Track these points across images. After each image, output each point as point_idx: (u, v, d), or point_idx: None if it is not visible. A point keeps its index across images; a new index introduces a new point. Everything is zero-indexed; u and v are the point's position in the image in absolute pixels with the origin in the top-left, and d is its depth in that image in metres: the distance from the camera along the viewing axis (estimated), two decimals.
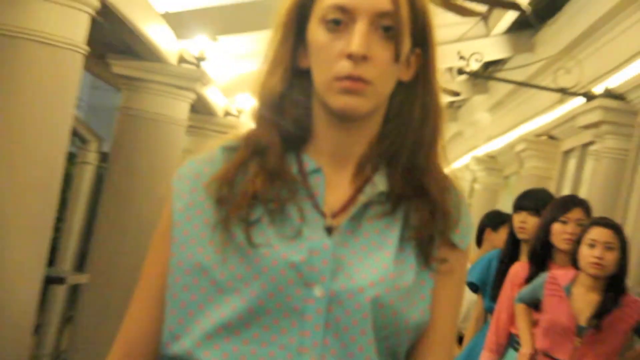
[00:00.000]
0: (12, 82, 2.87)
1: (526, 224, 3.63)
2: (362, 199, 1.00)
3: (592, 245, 2.89)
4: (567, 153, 5.68)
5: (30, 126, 2.87)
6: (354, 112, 0.97)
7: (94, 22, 3.02)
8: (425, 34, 1.02)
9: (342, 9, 0.95)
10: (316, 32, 0.98)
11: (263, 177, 0.98)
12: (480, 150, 8.33)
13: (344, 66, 0.93)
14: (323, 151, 1.03)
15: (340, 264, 0.96)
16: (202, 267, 0.97)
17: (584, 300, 2.95)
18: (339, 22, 0.95)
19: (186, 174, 1.04)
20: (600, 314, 2.87)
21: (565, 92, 4.71)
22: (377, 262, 0.97)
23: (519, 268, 3.39)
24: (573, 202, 3.43)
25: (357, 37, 0.93)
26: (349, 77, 0.93)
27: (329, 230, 0.98)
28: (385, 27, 0.95)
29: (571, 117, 4.96)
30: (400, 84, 1.03)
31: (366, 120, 1.02)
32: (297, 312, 0.94)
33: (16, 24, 2.82)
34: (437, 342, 1.05)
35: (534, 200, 3.72)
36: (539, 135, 6.02)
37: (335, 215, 0.99)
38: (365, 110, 0.97)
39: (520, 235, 3.67)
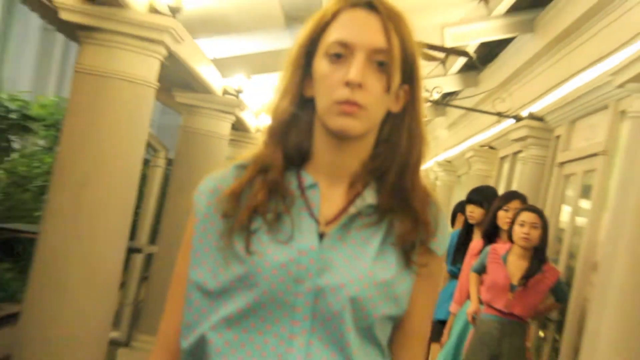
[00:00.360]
0: (103, 109, 2.89)
1: (474, 213, 3.80)
2: (352, 210, 0.91)
3: (522, 225, 2.97)
4: (503, 159, 5.67)
5: (117, 141, 2.94)
6: (349, 132, 0.87)
7: (163, 65, 3.01)
8: (413, 73, 0.92)
9: (343, 44, 0.87)
10: (320, 64, 0.89)
11: (264, 192, 0.89)
12: (440, 157, 8.31)
13: (343, 92, 0.85)
14: (320, 169, 0.93)
15: (328, 265, 0.88)
16: (212, 271, 0.90)
17: (516, 266, 3.01)
18: (340, 56, 0.87)
19: (203, 190, 0.95)
20: (528, 276, 2.96)
21: (501, 115, 4.70)
22: (358, 263, 0.88)
23: (475, 244, 3.55)
24: (513, 195, 3.55)
25: (355, 68, 0.85)
26: (347, 102, 0.85)
27: (321, 236, 0.89)
28: (380, 61, 0.87)
29: (505, 133, 4.97)
30: (390, 114, 0.93)
31: (359, 142, 0.91)
32: (289, 305, 0.86)
33: (105, 66, 2.90)
34: (413, 335, 0.97)
35: (479, 196, 3.85)
36: (482, 145, 6.02)
37: (328, 223, 0.90)
38: (359, 131, 0.88)
39: (470, 221, 3.86)
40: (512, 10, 4.48)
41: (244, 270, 0.87)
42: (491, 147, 5.89)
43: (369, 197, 0.91)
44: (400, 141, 0.92)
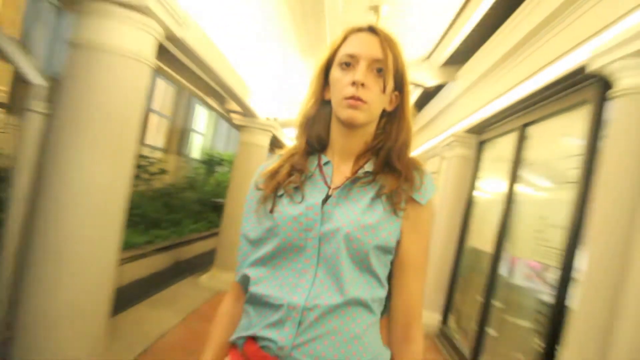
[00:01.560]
0: (93, 83, 2.63)
1: None
2: (353, 177, 1.17)
3: None
4: (442, 159, 6.25)
5: (107, 117, 2.69)
6: (355, 121, 1.13)
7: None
8: (402, 82, 1.19)
9: (351, 56, 1.14)
10: (335, 72, 1.17)
11: (286, 170, 1.19)
12: None
13: (350, 90, 1.12)
14: (335, 151, 1.21)
15: (329, 217, 1.12)
16: (254, 226, 1.19)
17: None
18: (349, 64, 1.14)
19: (257, 172, 1.25)
20: None
21: (444, 131, 5.76)
22: (351, 213, 1.12)
23: None
24: None
25: (359, 71, 1.12)
26: (353, 97, 1.11)
27: (329, 197, 1.15)
28: (378, 68, 1.13)
29: (448, 143, 5.82)
30: (385, 112, 1.20)
31: (362, 129, 1.18)
32: (302, 248, 1.12)
33: (98, 39, 2.66)
34: (409, 265, 1.16)
35: None
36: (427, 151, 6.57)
37: (337, 188, 1.17)
38: (362, 120, 1.14)
39: None
40: (446, 64, 5.65)
41: (270, 224, 1.15)
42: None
43: (368, 166, 1.18)
44: (392, 131, 1.20)
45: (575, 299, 2.56)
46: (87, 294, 2.74)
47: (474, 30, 4.55)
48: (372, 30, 1.18)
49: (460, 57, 5.31)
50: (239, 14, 3.88)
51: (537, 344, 3.11)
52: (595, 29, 2.60)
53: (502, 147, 4.76)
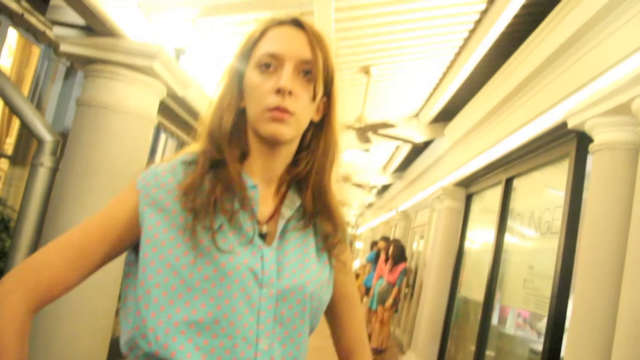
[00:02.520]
0: (99, 139, 2.70)
1: (380, 245, 7.70)
2: (288, 213, 0.93)
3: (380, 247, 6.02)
4: (432, 211, 6.59)
5: (111, 171, 2.74)
6: (280, 137, 0.87)
7: None
8: (331, 86, 0.95)
9: (273, 56, 0.88)
10: (251, 75, 0.89)
11: (220, 187, 0.86)
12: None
13: (274, 99, 0.85)
14: (255, 172, 0.92)
15: (281, 267, 0.88)
16: (172, 267, 0.80)
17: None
18: (270, 66, 0.88)
19: (152, 181, 0.86)
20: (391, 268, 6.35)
21: (433, 184, 5.89)
22: (307, 265, 0.90)
23: (383, 257, 6.82)
24: (383, 238, 7.78)
25: (285, 76, 0.86)
26: (278, 108, 0.85)
27: (263, 237, 0.89)
28: (306, 71, 0.89)
29: (437, 196, 5.88)
30: (310, 123, 0.95)
31: (286, 147, 0.93)
32: (255, 308, 0.83)
33: (106, 98, 2.74)
34: (353, 303, 1.06)
35: (385, 238, 7.93)
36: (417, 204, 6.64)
37: (263, 223, 0.90)
38: (289, 137, 0.89)
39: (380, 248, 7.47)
40: (433, 121, 5.88)
41: (213, 270, 0.81)
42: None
43: (295, 198, 0.95)
44: (318, 147, 0.95)
45: (565, 347, 2.55)
46: (85, 341, 2.69)
47: (459, 90, 4.72)
48: (297, 23, 0.92)
49: (447, 114, 5.47)
50: None
51: None
52: (571, 89, 2.72)
53: (489, 199, 4.83)
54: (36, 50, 3.95)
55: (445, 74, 4.63)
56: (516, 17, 3.30)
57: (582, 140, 2.91)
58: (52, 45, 3.70)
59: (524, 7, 3.17)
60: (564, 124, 2.89)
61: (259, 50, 0.90)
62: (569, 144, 3.12)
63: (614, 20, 2.38)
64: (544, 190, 3.64)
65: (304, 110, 0.89)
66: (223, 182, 0.86)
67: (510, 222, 4.15)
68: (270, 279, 0.85)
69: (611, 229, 2.36)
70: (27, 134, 3.91)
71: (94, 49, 2.66)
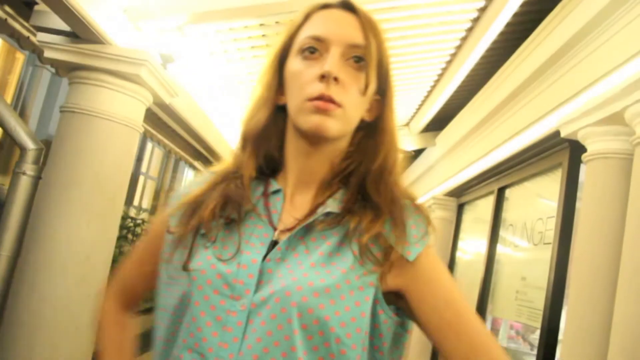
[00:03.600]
0: (84, 147, 2.66)
1: None
2: (309, 219, 0.77)
3: None
4: None
5: (95, 180, 2.70)
6: (324, 132, 0.74)
7: None
8: (386, 83, 0.82)
9: (317, 39, 0.76)
10: (293, 63, 0.79)
11: (216, 203, 0.78)
12: None
13: (317, 87, 0.74)
14: (290, 176, 0.82)
15: (270, 277, 0.73)
16: (160, 293, 0.81)
17: None
18: (314, 51, 0.76)
19: (179, 193, 0.86)
20: None
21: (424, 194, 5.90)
22: (299, 271, 0.73)
23: None
24: None
25: (331, 60, 0.74)
26: (321, 97, 0.73)
27: (274, 244, 0.76)
28: (356, 57, 0.76)
29: (429, 205, 5.88)
30: (362, 123, 0.82)
31: (331, 146, 0.79)
32: (220, 322, 0.71)
33: (91, 106, 2.70)
34: (449, 319, 0.76)
35: None
36: None
37: (286, 230, 0.77)
38: (334, 132, 0.75)
39: None
40: (424, 130, 5.80)
41: (184, 288, 0.75)
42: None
43: (332, 205, 0.78)
44: (369, 149, 0.81)
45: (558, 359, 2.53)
46: (67, 353, 2.63)
47: (450, 98, 4.72)
48: (347, 6, 0.80)
49: (439, 123, 5.47)
50: (226, 77, 3.97)
51: None
52: (563, 98, 2.71)
53: (481, 209, 4.82)
54: (20, 57, 3.91)
55: (436, 82, 4.63)
56: (508, 25, 3.30)
57: (575, 150, 2.90)
58: (36, 52, 3.66)
59: (516, 15, 3.18)
60: (556, 133, 2.89)
61: (302, 34, 0.79)
62: (562, 153, 3.12)
63: (606, 29, 2.39)
64: (536, 200, 3.63)
65: (353, 104, 0.77)
66: (223, 196, 0.79)
67: (502, 233, 4.14)
68: (245, 290, 0.72)
69: (604, 239, 2.35)
70: (9, 141, 3.85)
71: (79, 55, 2.62)
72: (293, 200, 0.81)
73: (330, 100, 0.73)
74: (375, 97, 0.82)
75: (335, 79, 0.74)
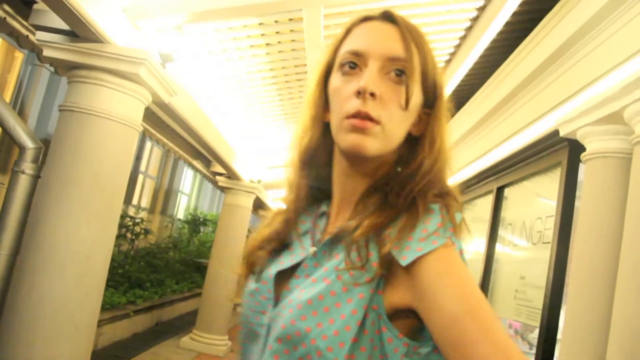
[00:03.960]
0: (83, 146, 2.65)
1: None
2: (327, 237, 0.75)
3: None
4: None
5: (94, 179, 2.69)
6: (363, 151, 0.70)
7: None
8: (435, 94, 0.77)
9: (356, 54, 0.74)
10: (334, 79, 0.76)
11: (263, 239, 0.82)
12: None
13: (354, 103, 0.70)
14: (335, 195, 0.80)
15: (287, 294, 0.73)
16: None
17: None
18: (354, 66, 0.74)
19: (255, 234, 0.87)
20: None
21: None
22: (303, 286, 0.73)
23: None
24: None
25: (367, 75, 0.71)
26: (358, 114, 0.69)
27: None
28: (397, 70, 0.72)
29: None
30: (409, 137, 0.76)
31: (369, 165, 0.75)
32: (257, 336, 0.75)
33: (90, 104, 2.69)
34: (452, 342, 0.61)
35: None
36: None
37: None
38: (373, 151, 0.70)
39: None
40: None
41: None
42: None
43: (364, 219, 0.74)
44: (415, 160, 0.75)
45: (557, 359, 2.53)
46: (66, 352, 2.63)
47: (450, 97, 4.71)
48: (387, 17, 0.76)
49: None
50: (225, 77, 3.97)
51: None
52: (562, 98, 2.72)
53: (481, 208, 4.82)
54: (19, 56, 3.90)
55: None
56: (507, 24, 3.31)
57: (574, 149, 2.91)
58: (35, 51, 3.66)
59: (515, 14, 3.18)
60: (555, 132, 2.89)
61: (342, 50, 0.77)
62: (561, 152, 3.13)
63: (605, 28, 2.39)
64: (535, 199, 3.64)
65: (394, 120, 0.72)
66: (270, 234, 0.83)
67: (501, 232, 4.14)
68: (268, 305, 0.76)
69: (604, 238, 2.36)
70: (8, 140, 3.85)
71: (78, 54, 2.62)
72: (337, 221, 0.79)
73: (367, 117, 0.70)
74: (425, 111, 0.77)
75: (372, 95, 0.70)
